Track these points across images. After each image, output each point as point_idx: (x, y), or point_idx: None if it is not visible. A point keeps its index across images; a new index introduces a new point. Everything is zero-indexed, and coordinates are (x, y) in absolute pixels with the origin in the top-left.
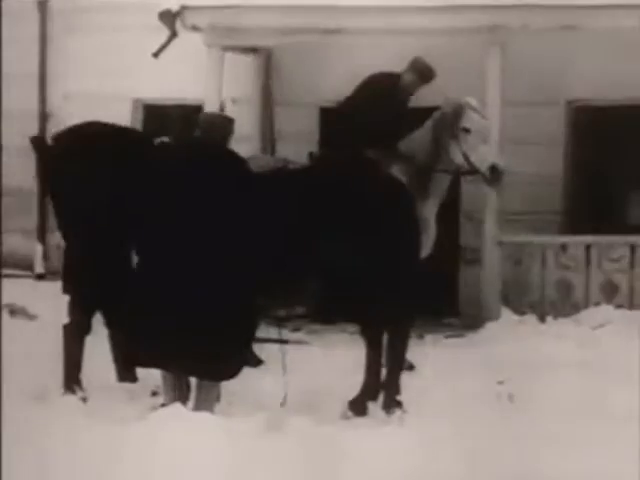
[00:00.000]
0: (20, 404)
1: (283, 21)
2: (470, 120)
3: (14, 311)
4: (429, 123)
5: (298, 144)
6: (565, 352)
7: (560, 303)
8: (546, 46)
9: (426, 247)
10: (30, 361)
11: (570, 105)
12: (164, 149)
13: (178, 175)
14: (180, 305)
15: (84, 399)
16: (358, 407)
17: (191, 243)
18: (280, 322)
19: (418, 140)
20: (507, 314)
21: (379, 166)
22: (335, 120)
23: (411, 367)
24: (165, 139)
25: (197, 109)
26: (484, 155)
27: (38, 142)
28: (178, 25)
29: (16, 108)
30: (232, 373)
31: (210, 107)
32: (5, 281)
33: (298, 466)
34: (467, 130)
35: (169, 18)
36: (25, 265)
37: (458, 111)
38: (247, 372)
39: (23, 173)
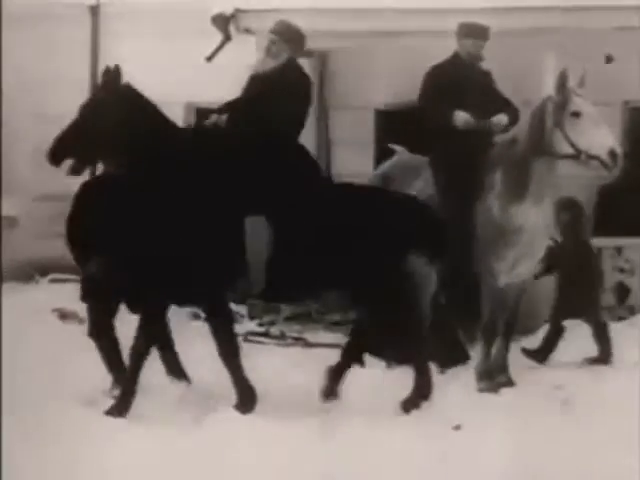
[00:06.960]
0: (70, 408)
1: (336, 24)
2: (577, 104)
3: (65, 315)
4: (532, 110)
5: (354, 148)
6: (621, 355)
7: (616, 306)
8: (600, 47)
9: (525, 264)
10: (81, 365)
11: (626, 106)
12: None
13: None
14: None
15: None
16: (410, 407)
17: None
18: (333, 326)
19: (518, 130)
20: None
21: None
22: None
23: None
24: None
25: None
26: (601, 139)
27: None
28: (231, 29)
29: (67, 112)
30: None
31: None
32: (55, 285)
33: (349, 467)
34: (577, 114)
35: (222, 22)
36: (75, 269)
37: (565, 94)
38: (292, 374)
39: (70, 177)
